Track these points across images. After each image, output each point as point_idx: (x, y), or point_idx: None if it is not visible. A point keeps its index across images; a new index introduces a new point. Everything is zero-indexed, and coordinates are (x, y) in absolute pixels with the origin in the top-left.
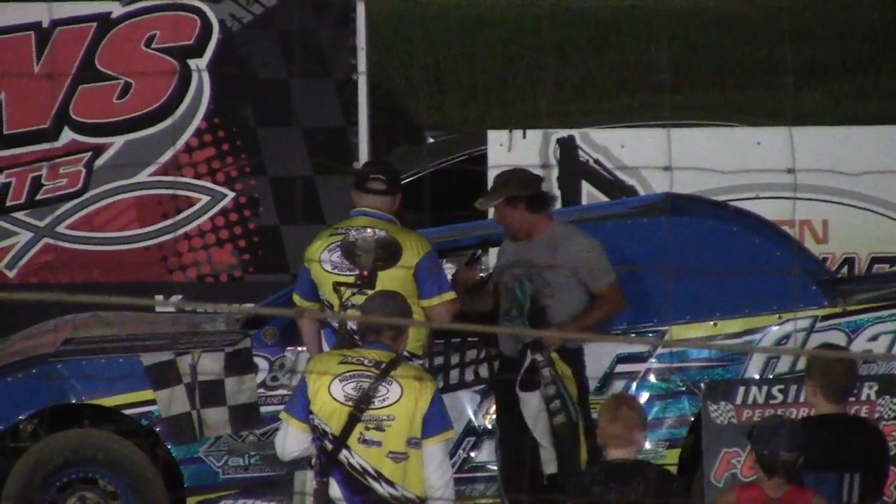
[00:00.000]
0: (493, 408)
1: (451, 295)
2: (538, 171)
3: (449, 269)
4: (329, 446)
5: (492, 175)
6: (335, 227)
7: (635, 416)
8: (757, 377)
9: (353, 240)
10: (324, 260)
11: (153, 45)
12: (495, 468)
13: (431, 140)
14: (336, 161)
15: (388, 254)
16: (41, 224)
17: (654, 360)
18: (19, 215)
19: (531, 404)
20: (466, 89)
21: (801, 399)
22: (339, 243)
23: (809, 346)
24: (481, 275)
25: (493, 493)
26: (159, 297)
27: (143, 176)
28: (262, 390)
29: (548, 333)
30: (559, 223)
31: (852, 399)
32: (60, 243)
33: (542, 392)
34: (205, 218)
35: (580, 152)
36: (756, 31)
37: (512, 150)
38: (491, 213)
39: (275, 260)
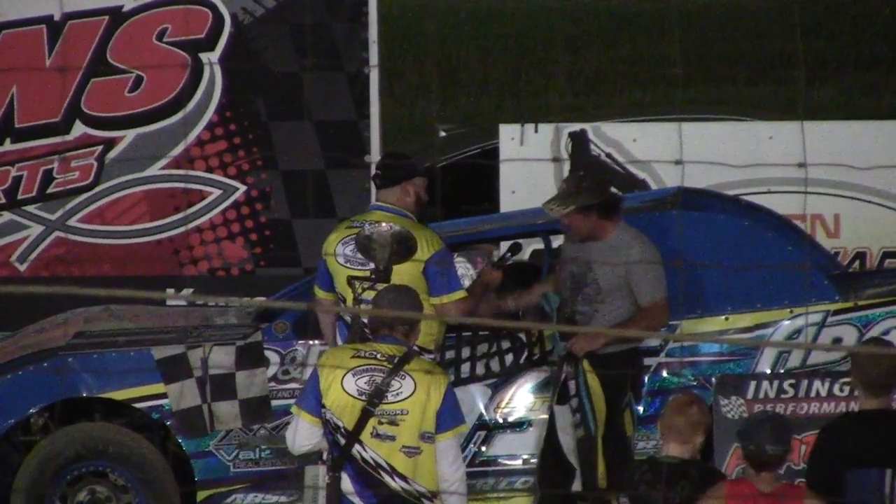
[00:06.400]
0: (505, 402)
1: (460, 294)
2: (549, 165)
3: (460, 262)
4: (342, 440)
5: (503, 169)
6: (351, 221)
7: (701, 418)
8: (768, 372)
9: (369, 234)
10: (338, 253)
11: (165, 39)
12: (507, 462)
13: (443, 134)
14: (348, 155)
15: (404, 248)
16: (52, 217)
17: (665, 354)
18: (31, 209)
19: (561, 418)
20: (478, 83)
21: (813, 394)
22: (353, 237)
23: (821, 341)
24: None
25: (504, 487)
26: (170, 291)
27: (154, 169)
28: (273, 384)
29: (557, 328)
30: (626, 227)
31: None
32: (72, 237)
33: (569, 405)
34: (216, 211)
35: (592, 146)
36: (768, 25)
37: (524, 143)
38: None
39: (286, 254)
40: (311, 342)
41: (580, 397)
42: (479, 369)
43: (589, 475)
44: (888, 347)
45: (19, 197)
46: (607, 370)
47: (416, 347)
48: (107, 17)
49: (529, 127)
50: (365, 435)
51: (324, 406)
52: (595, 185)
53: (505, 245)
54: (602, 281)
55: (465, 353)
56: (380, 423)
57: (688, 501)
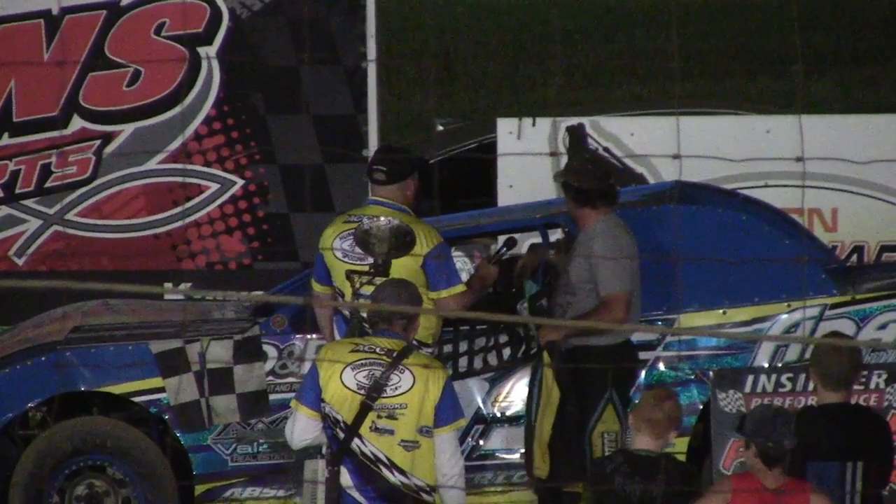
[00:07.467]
0: (502, 396)
1: (459, 288)
2: (547, 160)
3: (458, 256)
4: (341, 435)
5: (501, 163)
6: (348, 215)
7: (676, 413)
8: (766, 365)
9: (367, 228)
10: (335, 247)
11: (163, 33)
12: (505, 456)
13: (441, 128)
14: (345, 149)
15: (403, 242)
16: (50, 212)
17: (662, 348)
18: (29, 203)
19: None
20: (476, 77)
21: (810, 388)
22: (350, 231)
23: (818, 335)
24: None
25: (503, 481)
26: (168, 285)
27: (152, 164)
28: (270, 378)
29: (557, 322)
30: (607, 220)
31: (861, 388)
32: (69, 231)
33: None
34: (214, 206)
35: (590, 140)
36: (766, 19)
37: (521, 137)
38: None
39: (284, 248)
40: (308, 336)
41: (532, 387)
42: (477, 363)
43: (527, 465)
44: (847, 340)
45: (17, 191)
46: (576, 364)
47: (414, 342)
48: (104, 12)
49: (527, 121)
50: (364, 429)
51: (323, 400)
52: (579, 169)
53: (502, 240)
54: (572, 272)
55: (463, 347)
56: (379, 417)
57: (666, 495)
